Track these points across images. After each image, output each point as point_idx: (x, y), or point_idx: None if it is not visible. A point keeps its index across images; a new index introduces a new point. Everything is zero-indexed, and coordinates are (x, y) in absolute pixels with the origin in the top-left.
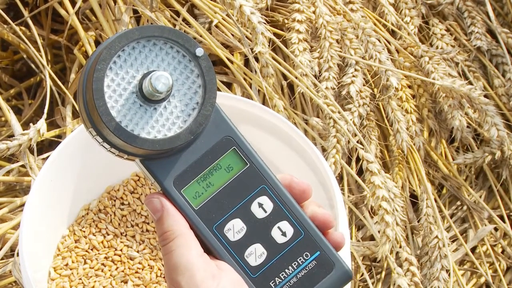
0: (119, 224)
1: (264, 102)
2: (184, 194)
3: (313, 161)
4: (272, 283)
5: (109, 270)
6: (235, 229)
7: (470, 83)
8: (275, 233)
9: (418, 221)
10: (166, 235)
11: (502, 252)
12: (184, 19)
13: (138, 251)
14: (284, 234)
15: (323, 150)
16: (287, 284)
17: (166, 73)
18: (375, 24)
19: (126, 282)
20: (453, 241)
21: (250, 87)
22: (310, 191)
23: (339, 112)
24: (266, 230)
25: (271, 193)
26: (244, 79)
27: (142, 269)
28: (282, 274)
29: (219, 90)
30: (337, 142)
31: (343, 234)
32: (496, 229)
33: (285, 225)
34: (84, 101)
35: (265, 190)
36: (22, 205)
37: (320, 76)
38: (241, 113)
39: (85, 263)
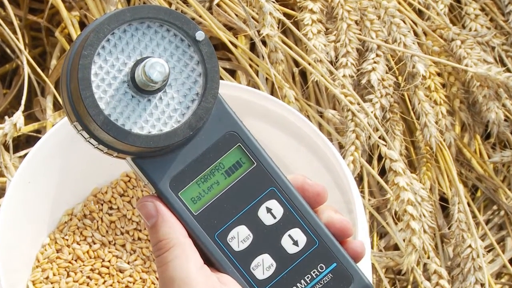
0: (107, 231)
1: (272, 92)
2: (182, 198)
3: (329, 159)
4: None
5: (96, 284)
6: (240, 237)
7: (508, 70)
8: (286, 242)
9: (449, 228)
10: (161, 244)
11: None
12: None
13: (128, 262)
14: (295, 243)
15: (340, 147)
16: None
17: (161, 60)
18: (399, 3)
19: None
20: (488, 251)
21: (257, 75)
22: (326, 194)
23: (358, 104)
24: (275, 239)
25: (281, 196)
26: (250, 65)
27: (133, 283)
28: None
29: (221, 78)
30: (356, 138)
31: (363, 243)
32: None
33: (297, 233)
34: (68, 91)
35: (274, 193)
36: None
37: (336, 62)
38: (247, 105)
39: (68, 276)
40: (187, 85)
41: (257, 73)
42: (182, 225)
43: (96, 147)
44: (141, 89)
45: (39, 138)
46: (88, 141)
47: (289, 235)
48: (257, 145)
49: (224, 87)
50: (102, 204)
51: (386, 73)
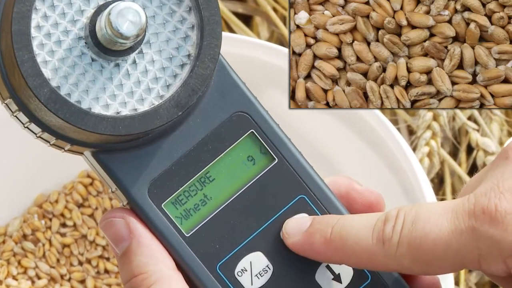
0: (58, 260)
1: None
2: (167, 211)
3: (391, 152)
4: None
5: None
6: (255, 269)
7: None
8: (323, 277)
9: None
10: (137, 280)
11: None
12: None
13: None
14: (337, 278)
15: (410, 132)
16: None
17: (135, 4)
18: None
19: None
20: None
21: (284, 24)
22: (382, 206)
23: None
24: (307, 272)
25: (314, 208)
26: (274, 9)
27: None
28: None
29: (230, 30)
30: (434, 119)
31: (439, 278)
32: None
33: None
34: None
35: (305, 204)
36: None
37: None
38: (266, 71)
39: None
40: (174, 42)
41: (284, 20)
42: (167, 252)
43: (39, 137)
44: (105, 48)
45: None
46: (27, 127)
47: (328, 267)
48: (279, 132)
49: (230, 43)
50: (50, 220)
51: None
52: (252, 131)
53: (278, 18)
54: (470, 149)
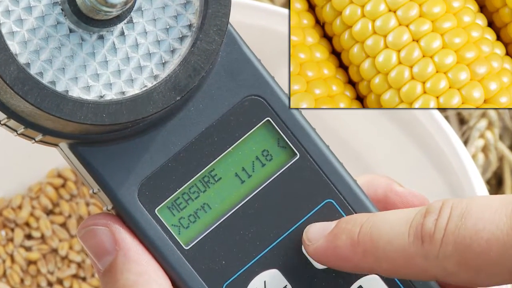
0: (22, 280)
1: None
2: (161, 218)
3: (437, 146)
4: None
5: None
6: None
7: None
8: None
9: None
10: None
11: None
12: None
13: None
14: None
15: (461, 121)
16: None
17: None
18: None
19: None
20: None
21: None
22: None
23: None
24: None
25: (344, 215)
26: None
27: None
28: None
29: None
30: None
31: None
32: None
33: (376, 283)
34: None
35: (333, 210)
36: None
37: None
38: (282, 44)
39: None
40: (172, 9)
41: None
42: (161, 269)
43: (5, 124)
44: (86, 17)
45: None
46: None
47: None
48: (301, 120)
49: (236, 10)
50: (12, 230)
51: None
52: (268, 119)
53: None
54: None
